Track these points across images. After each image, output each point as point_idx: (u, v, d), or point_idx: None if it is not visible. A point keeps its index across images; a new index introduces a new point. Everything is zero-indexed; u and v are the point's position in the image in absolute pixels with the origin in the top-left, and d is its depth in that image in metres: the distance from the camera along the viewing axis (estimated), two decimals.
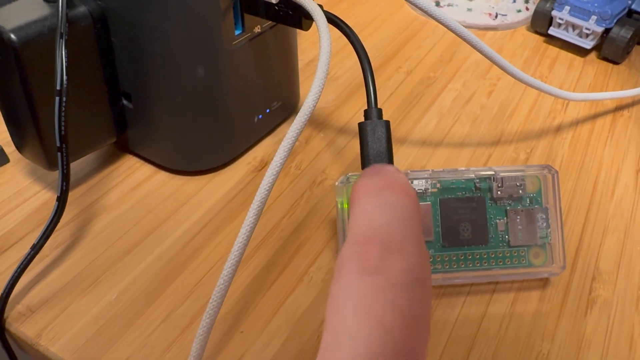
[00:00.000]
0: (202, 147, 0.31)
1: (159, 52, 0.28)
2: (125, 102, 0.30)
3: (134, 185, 0.31)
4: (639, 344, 0.25)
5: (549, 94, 0.34)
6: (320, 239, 0.29)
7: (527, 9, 0.49)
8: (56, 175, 0.32)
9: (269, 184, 0.23)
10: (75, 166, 0.32)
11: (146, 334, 0.25)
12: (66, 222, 0.29)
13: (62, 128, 0.24)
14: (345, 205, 0.26)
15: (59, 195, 0.25)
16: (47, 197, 0.30)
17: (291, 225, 0.30)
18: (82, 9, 0.26)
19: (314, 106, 0.23)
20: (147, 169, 0.32)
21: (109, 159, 0.33)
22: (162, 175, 0.32)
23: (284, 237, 0.29)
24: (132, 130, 0.31)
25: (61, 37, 0.23)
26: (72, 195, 0.30)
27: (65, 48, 0.24)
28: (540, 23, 0.46)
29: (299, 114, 0.23)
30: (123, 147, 0.33)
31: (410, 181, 0.26)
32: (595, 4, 0.43)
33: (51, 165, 0.28)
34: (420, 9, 0.28)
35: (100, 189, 0.31)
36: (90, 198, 0.31)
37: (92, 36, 0.27)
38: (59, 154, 0.24)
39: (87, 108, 0.29)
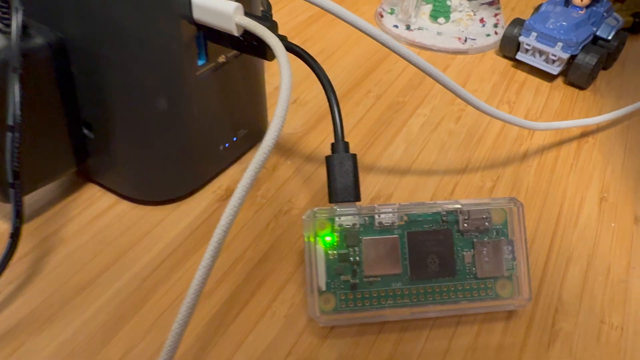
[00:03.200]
0: (164, 177, 0.31)
1: (119, 83, 0.27)
2: (86, 131, 0.30)
3: (94, 216, 0.31)
4: None
5: (515, 124, 0.34)
6: (285, 272, 0.29)
7: (495, 33, 0.50)
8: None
9: (229, 219, 0.22)
10: (34, 195, 0.31)
11: None
12: (21, 255, 0.28)
13: (15, 164, 0.23)
14: (312, 239, 0.25)
15: (12, 232, 0.24)
16: (1, 230, 0.30)
17: (255, 257, 0.29)
18: (39, 41, 0.26)
19: (275, 142, 0.23)
20: (109, 198, 0.32)
21: (69, 188, 0.32)
22: (124, 205, 0.31)
23: (247, 270, 0.29)
24: (94, 160, 0.31)
25: (14, 71, 0.23)
26: (29, 227, 0.30)
27: (19, 82, 0.23)
28: (509, 48, 0.47)
29: (257, 153, 0.23)
30: (84, 176, 0.32)
31: (377, 215, 0.26)
32: (561, 31, 0.43)
33: (5, 198, 0.27)
34: (383, 44, 0.28)
35: (59, 220, 0.30)
36: (48, 230, 0.30)
37: (51, 67, 0.26)
38: (11, 190, 0.24)
39: (45, 139, 0.28)
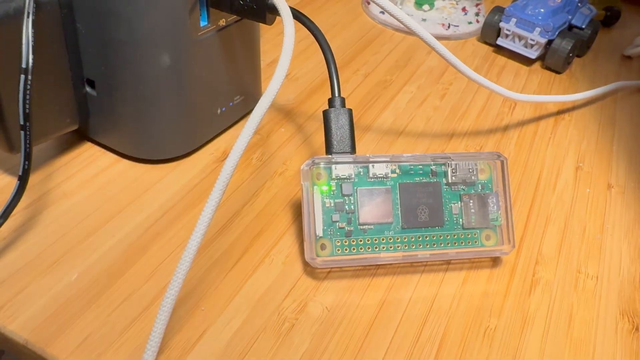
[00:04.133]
0: (164, 136, 0.32)
1: (124, 39, 0.28)
2: (88, 89, 0.31)
3: (95, 173, 0.32)
4: (576, 321, 0.27)
5: (499, 93, 0.36)
6: (282, 225, 0.30)
7: (477, 21, 0.52)
8: (15, 160, 0.31)
9: (234, 162, 0.23)
10: (36, 152, 0.32)
11: (107, 313, 0.25)
12: (25, 206, 0.29)
13: (27, 107, 0.24)
14: (310, 188, 0.27)
15: (20, 174, 0.25)
16: (5, 182, 0.30)
17: (252, 212, 0.31)
18: None
19: (278, 87, 0.24)
20: (109, 157, 0.33)
21: (69, 147, 0.33)
22: (124, 163, 0.32)
23: (245, 223, 0.30)
24: (95, 118, 0.32)
25: (28, 16, 0.24)
26: (31, 181, 0.30)
27: (32, 27, 0.24)
28: (490, 34, 0.49)
29: (264, 93, 0.24)
30: (85, 135, 0.33)
31: (371, 165, 0.27)
32: (539, 17, 0.46)
33: (12, 147, 0.28)
34: (389, 13, 0.30)
35: (60, 176, 0.31)
36: (50, 184, 0.31)
37: (58, 21, 0.27)
38: (22, 132, 0.25)
39: (50, 93, 0.29)
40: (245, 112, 0.37)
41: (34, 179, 0.31)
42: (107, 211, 0.29)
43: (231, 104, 0.35)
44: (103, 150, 0.33)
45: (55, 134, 0.30)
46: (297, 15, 0.30)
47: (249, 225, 0.30)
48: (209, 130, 0.34)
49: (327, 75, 0.39)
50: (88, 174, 0.31)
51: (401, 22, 0.31)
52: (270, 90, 0.24)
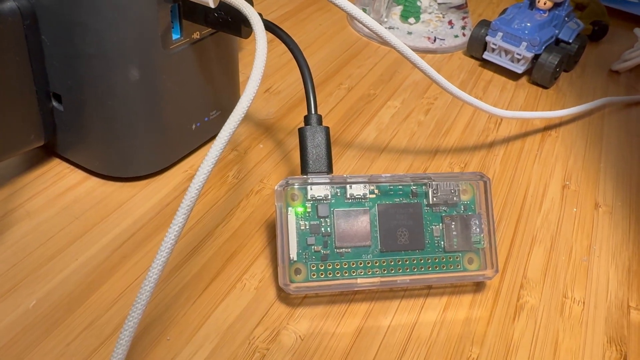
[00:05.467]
0: (135, 153, 0.31)
1: (91, 52, 0.27)
2: (55, 103, 0.29)
3: (62, 191, 0.30)
4: (562, 348, 0.26)
5: (483, 110, 0.35)
6: (255, 247, 0.29)
7: (463, 34, 0.51)
8: None
9: (196, 190, 0.22)
10: None
11: (65, 343, 0.23)
12: None
13: None
14: (284, 209, 0.25)
15: None
16: None
17: (227, 232, 0.29)
18: (9, 4, 0.25)
19: (248, 105, 0.23)
20: (77, 174, 0.31)
21: (36, 164, 0.31)
22: (93, 181, 0.31)
23: (218, 244, 0.29)
24: (62, 134, 0.30)
25: None
26: None
27: None
28: (476, 48, 0.48)
29: (232, 112, 0.23)
30: (52, 152, 0.32)
31: (349, 186, 0.26)
32: (526, 32, 0.45)
33: None
34: (370, 29, 0.29)
35: (24, 195, 0.30)
36: (13, 203, 0.29)
37: (20, 33, 0.26)
38: None
39: (11, 108, 0.27)
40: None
41: None
42: (72, 232, 0.28)
43: (207, 119, 0.33)
44: (71, 167, 0.32)
45: (18, 151, 0.29)
46: (273, 29, 0.29)
47: (222, 246, 0.29)
48: (183, 146, 0.33)
49: None
50: (54, 192, 0.30)
51: (383, 39, 0.30)
52: (239, 109, 0.23)
